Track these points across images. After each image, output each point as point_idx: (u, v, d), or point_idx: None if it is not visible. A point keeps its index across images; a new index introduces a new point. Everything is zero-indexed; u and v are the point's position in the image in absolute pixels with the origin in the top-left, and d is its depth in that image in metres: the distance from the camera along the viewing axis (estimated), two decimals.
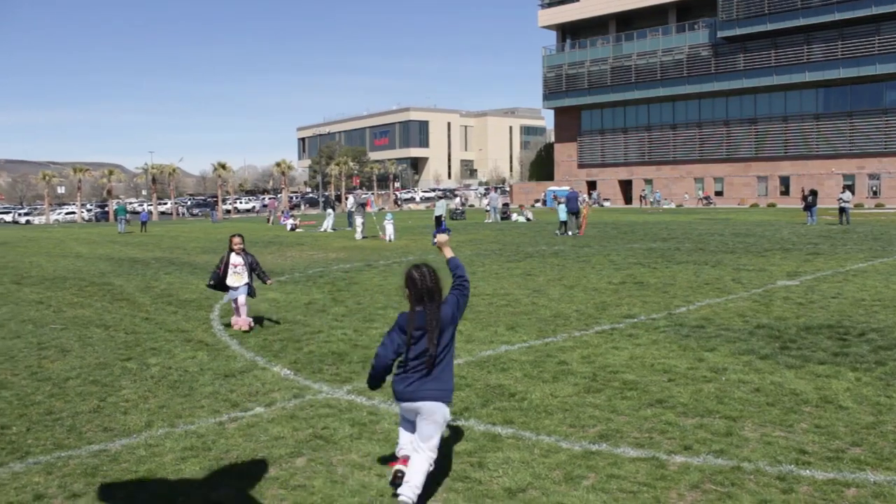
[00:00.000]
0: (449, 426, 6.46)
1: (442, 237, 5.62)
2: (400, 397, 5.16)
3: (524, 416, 6.83)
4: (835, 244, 24.00)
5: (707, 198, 73.60)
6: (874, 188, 66.99)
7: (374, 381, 5.35)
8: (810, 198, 37.00)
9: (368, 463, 5.78)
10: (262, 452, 6.06)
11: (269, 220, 53.94)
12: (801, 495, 5.04)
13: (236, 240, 11.21)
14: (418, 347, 5.11)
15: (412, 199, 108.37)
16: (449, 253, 5.55)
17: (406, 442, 5.26)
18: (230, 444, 6.26)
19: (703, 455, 5.78)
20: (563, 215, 32.14)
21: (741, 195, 73.53)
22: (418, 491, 4.91)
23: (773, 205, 68.66)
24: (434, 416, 5.08)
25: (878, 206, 62.10)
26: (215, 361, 9.23)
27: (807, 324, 10.83)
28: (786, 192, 71.06)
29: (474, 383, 7.94)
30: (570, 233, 31.14)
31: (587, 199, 36.77)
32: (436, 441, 5.09)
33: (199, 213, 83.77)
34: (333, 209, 40.58)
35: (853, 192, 52.28)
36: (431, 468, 5.08)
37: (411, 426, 5.22)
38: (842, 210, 35.85)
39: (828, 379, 7.82)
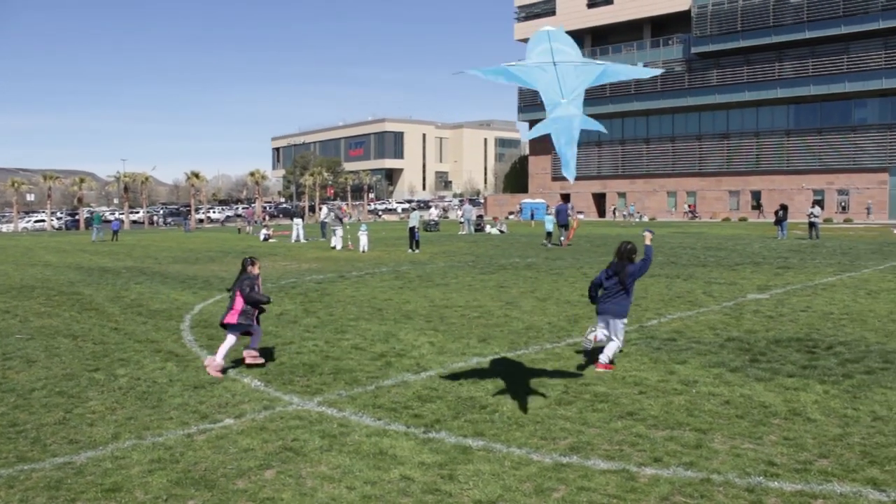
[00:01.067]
0: (419, 438, 6.55)
1: (648, 234, 9.03)
2: (599, 311, 9.08)
3: (495, 428, 6.82)
4: (804, 258, 24.25)
5: (692, 211, 73.95)
6: (843, 203, 67.84)
7: (590, 297, 9.30)
8: (781, 212, 37.41)
9: (338, 475, 5.73)
10: (231, 465, 6.00)
11: (239, 230, 53.54)
12: None
13: (260, 264, 9.75)
14: (610, 282, 8.95)
15: (394, 210, 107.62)
16: (648, 242, 9.06)
17: (602, 334, 8.99)
18: (199, 457, 6.19)
19: (672, 467, 5.80)
20: (549, 226, 33.27)
21: (713, 209, 74.17)
22: (606, 359, 8.89)
23: (744, 219, 69.31)
24: (619, 322, 8.98)
25: (847, 221, 62.89)
26: (185, 372, 9.14)
27: (776, 337, 10.93)
28: (757, 207, 71.81)
29: (446, 395, 7.92)
30: (553, 243, 32.16)
31: (572, 212, 38.67)
32: (622, 336, 9.11)
33: (172, 223, 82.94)
34: (302, 219, 40.42)
35: (822, 208, 52.87)
36: (620, 350, 9.26)
37: (606, 326, 9.01)
38: (811, 225, 36.27)
39: (796, 391, 7.89)
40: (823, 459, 5.95)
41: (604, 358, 8.87)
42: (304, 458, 6.14)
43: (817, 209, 37.82)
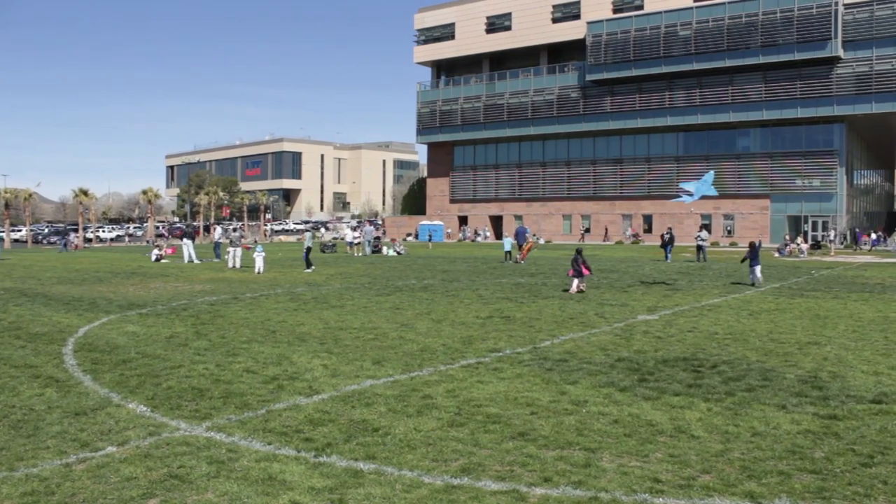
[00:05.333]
0: (310, 463, 6.44)
1: (758, 240, 27.31)
2: (751, 266, 23.90)
3: (387, 451, 6.77)
4: (692, 280, 25.14)
5: (635, 234, 74.47)
6: (728, 228, 70.79)
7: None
8: (667, 236, 38.97)
9: (225, 503, 5.57)
10: (112, 495, 5.76)
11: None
12: None
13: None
14: (753, 259, 23.78)
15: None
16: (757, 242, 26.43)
17: (758, 273, 23.88)
18: (76, 487, 5.91)
19: (562, 486, 5.88)
20: (507, 246, 37.47)
21: (608, 232, 76.16)
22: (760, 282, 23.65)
23: (636, 242, 71.36)
24: (757, 267, 23.77)
25: (732, 244, 65.56)
26: (65, 399, 8.74)
27: (664, 357, 11.26)
28: (649, 230, 74.06)
29: (338, 418, 7.83)
30: (511, 261, 35.91)
31: (531, 236, 43.79)
32: (759, 273, 23.86)
33: (56, 242, 79.08)
34: (192, 239, 39.47)
35: (710, 231, 55.06)
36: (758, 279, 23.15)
37: (755, 270, 23.66)
38: (699, 248, 37.69)
39: (682, 410, 8.14)
40: (706, 475, 6.14)
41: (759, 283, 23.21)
42: (190, 485, 5.95)
43: (704, 233, 39.41)
